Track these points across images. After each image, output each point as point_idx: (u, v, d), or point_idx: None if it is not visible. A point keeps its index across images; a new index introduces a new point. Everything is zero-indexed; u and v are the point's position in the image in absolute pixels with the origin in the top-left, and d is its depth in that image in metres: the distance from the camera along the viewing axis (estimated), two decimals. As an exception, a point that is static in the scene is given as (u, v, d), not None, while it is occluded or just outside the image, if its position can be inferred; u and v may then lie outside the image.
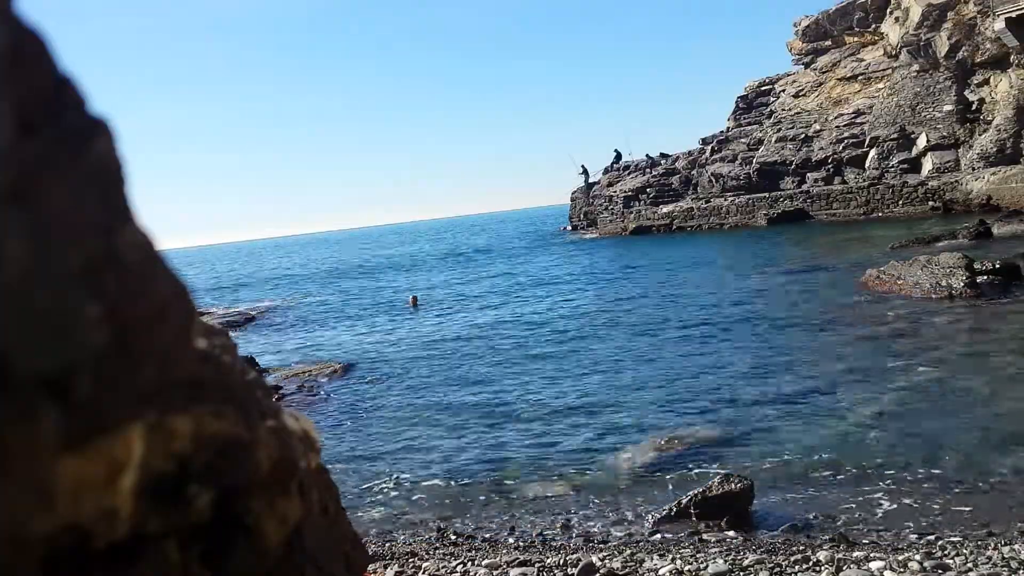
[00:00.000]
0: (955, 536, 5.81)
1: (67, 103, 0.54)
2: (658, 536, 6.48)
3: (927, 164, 37.78)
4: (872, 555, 5.32)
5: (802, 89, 47.39)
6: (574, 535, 6.73)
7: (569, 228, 58.61)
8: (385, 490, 8.47)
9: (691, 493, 6.88)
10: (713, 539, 6.21)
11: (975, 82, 37.55)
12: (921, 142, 38.24)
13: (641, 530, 6.70)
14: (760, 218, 40.49)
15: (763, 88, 51.56)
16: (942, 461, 7.40)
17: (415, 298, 25.80)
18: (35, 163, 0.50)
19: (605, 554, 5.78)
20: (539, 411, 10.89)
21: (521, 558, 5.81)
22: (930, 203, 34.95)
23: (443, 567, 5.71)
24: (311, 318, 25.87)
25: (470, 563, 5.76)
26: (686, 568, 5.27)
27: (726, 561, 5.36)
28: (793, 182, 43.23)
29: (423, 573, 5.66)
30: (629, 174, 52.58)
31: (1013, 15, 34.35)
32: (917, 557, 5.14)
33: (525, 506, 7.57)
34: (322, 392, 13.59)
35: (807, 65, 48.60)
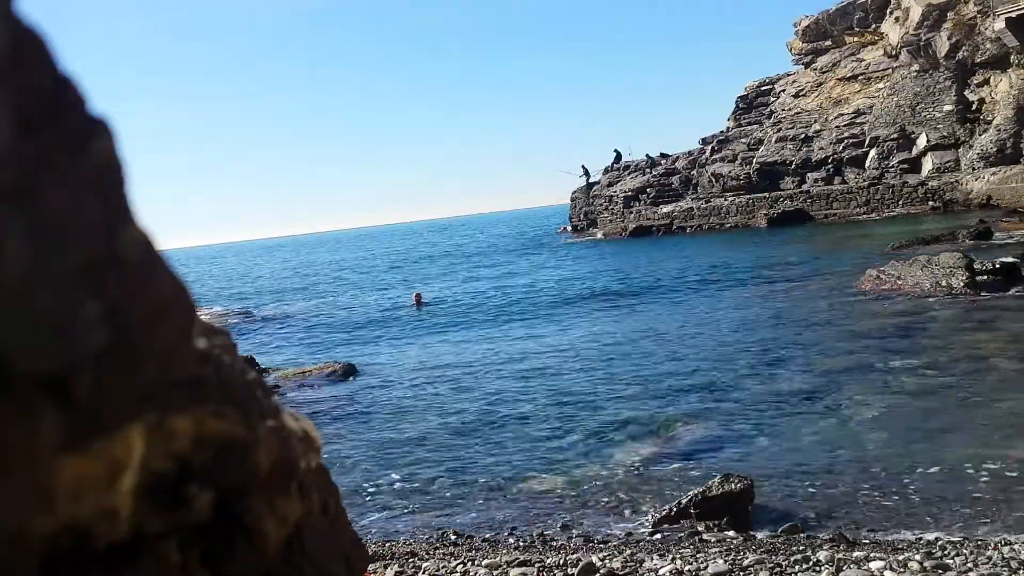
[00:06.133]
0: (955, 536, 5.81)
1: (67, 103, 0.54)
2: (658, 536, 6.48)
3: (927, 164, 37.78)
4: (872, 555, 5.31)
5: (802, 89, 47.40)
6: (574, 535, 6.73)
7: (568, 229, 58.53)
8: (385, 490, 8.47)
9: (691, 493, 6.88)
10: (713, 539, 6.21)
11: (975, 82, 37.56)
12: (921, 142, 38.24)
13: (641, 530, 6.70)
14: (760, 218, 40.48)
15: (763, 88, 51.56)
16: (943, 461, 7.40)
17: (419, 296, 25.35)
18: (35, 163, 0.50)
19: (605, 554, 5.78)
20: (539, 411, 10.89)
21: (521, 558, 5.81)
22: (930, 203, 34.95)
23: (443, 567, 5.71)
24: (312, 318, 25.87)
25: (470, 563, 5.76)
26: (686, 568, 5.27)
27: (726, 561, 5.36)
28: (793, 182, 43.22)
29: (423, 573, 5.66)
30: (629, 174, 52.56)
31: (1013, 15, 34.35)
32: (917, 557, 5.13)
33: (525, 506, 7.57)
34: (322, 392, 13.59)
35: (807, 65, 48.62)
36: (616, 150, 55.16)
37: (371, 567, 5.45)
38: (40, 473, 0.49)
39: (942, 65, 38.51)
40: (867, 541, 5.88)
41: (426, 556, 6.11)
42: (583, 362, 13.93)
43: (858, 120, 42.11)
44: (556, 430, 9.89)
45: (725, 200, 43.68)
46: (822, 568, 5.11)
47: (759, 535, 6.29)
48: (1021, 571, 4.82)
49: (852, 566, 5.10)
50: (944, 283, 15.76)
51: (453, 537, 6.90)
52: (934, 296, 15.44)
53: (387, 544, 6.72)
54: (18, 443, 0.47)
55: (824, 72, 46.59)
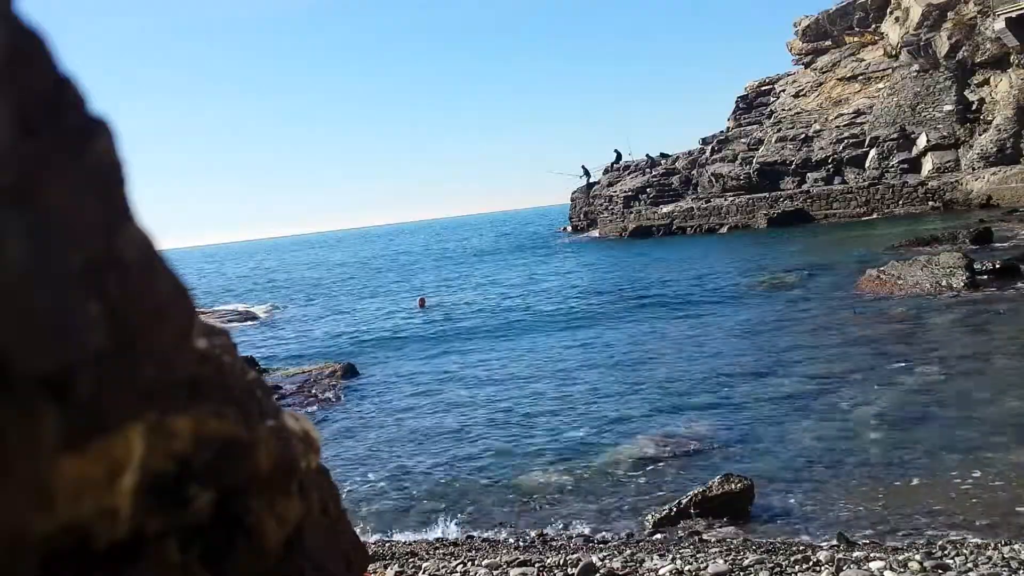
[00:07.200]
0: (955, 536, 5.81)
1: (67, 103, 0.54)
2: (658, 536, 6.48)
3: (927, 164, 37.78)
4: (872, 555, 5.32)
5: (802, 89, 47.41)
6: (574, 535, 6.73)
7: (569, 229, 58.63)
8: (385, 490, 8.47)
9: (691, 493, 6.88)
10: (713, 539, 6.21)
11: (975, 82, 37.56)
12: (921, 142, 38.24)
13: (641, 530, 6.70)
14: (760, 218, 40.48)
15: (763, 88, 51.59)
16: (942, 461, 7.40)
17: (423, 299, 25.38)
18: (35, 163, 0.50)
19: (605, 554, 5.78)
20: (539, 412, 10.89)
21: (521, 558, 5.81)
22: (930, 203, 34.94)
23: (443, 567, 5.71)
24: (312, 318, 25.87)
25: (470, 563, 5.76)
26: (686, 568, 5.27)
27: (726, 561, 5.36)
28: (793, 182, 43.22)
29: (423, 573, 5.66)
30: (629, 174, 52.57)
31: (1013, 15, 34.36)
32: (917, 557, 5.14)
33: (525, 506, 7.57)
34: (322, 392, 13.59)
35: (807, 65, 48.63)
36: (616, 150, 55.20)
37: (371, 567, 5.45)
38: (40, 473, 0.49)
39: (942, 65, 38.51)
40: (867, 541, 5.88)
41: (426, 556, 6.11)
42: (583, 363, 13.93)
43: (858, 120, 42.12)
44: (556, 431, 9.89)
45: (725, 200, 43.66)
46: (822, 568, 5.11)
47: (759, 535, 6.29)
48: (1021, 571, 4.82)
49: (852, 566, 5.10)
50: (944, 283, 15.76)
51: (453, 537, 6.91)
52: (934, 296, 15.44)
53: (387, 544, 6.72)
54: (18, 443, 0.47)
55: (824, 72, 46.59)
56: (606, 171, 54.48)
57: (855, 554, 5.39)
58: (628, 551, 5.85)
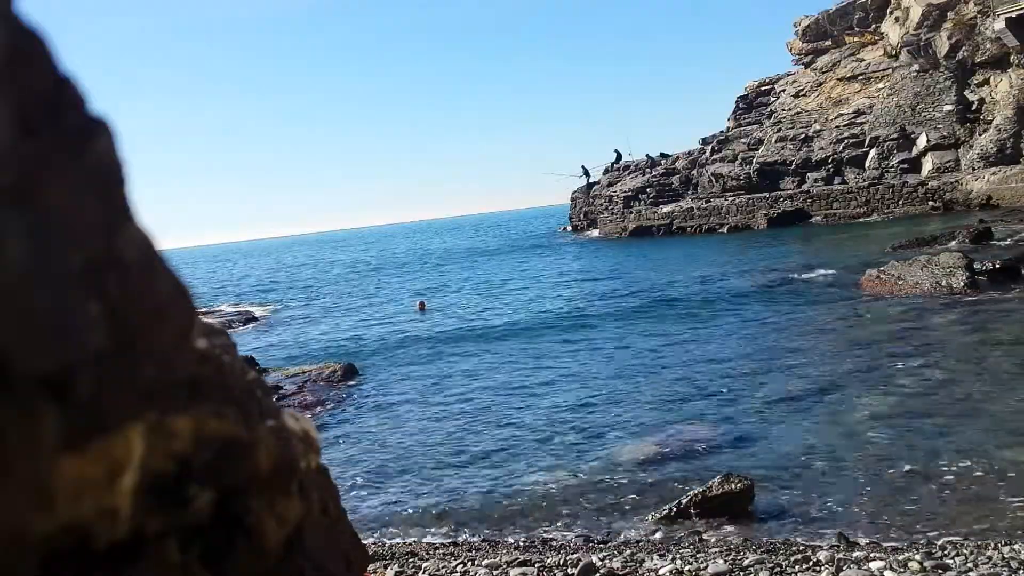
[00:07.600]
0: (955, 536, 5.81)
1: (67, 103, 0.54)
2: (658, 536, 6.48)
3: (927, 164, 37.77)
4: (872, 555, 5.32)
5: (802, 89, 47.40)
6: (574, 535, 6.73)
7: (569, 228, 58.69)
8: (385, 490, 8.47)
9: (691, 493, 6.88)
10: (713, 539, 6.21)
11: (975, 82, 37.55)
12: (921, 142, 38.23)
13: (641, 530, 6.71)
14: (760, 218, 40.46)
15: (763, 88, 51.59)
16: (942, 461, 7.40)
17: (423, 303, 25.37)
18: (35, 163, 0.50)
19: (605, 554, 5.78)
20: (539, 413, 10.90)
21: (521, 558, 5.81)
22: (930, 203, 34.93)
23: (443, 567, 5.72)
24: (313, 318, 25.87)
25: (470, 563, 5.76)
26: (686, 568, 5.27)
27: (726, 561, 5.36)
28: (793, 182, 43.21)
29: (423, 573, 5.66)
30: (629, 174, 52.55)
31: (1013, 15, 34.35)
32: (917, 557, 5.14)
33: (525, 506, 7.57)
34: (322, 392, 13.59)
35: (807, 65, 48.63)
36: (616, 150, 55.18)
37: (371, 567, 5.45)
38: (40, 473, 0.49)
39: (942, 65, 38.51)
40: (867, 541, 5.88)
41: (426, 556, 6.11)
42: (582, 364, 13.93)
43: (858, 120, 42.10)
44: (556, 431, 9.89)
45: (725, 200, 43.64)
46: (822, 568, 5.12)
47: (759, 535, 6.29)
48: (1021, 571, 4.82)
49: (852, 566, 5.10)
50: (944, 283, 15.75)
51: (453, 537, 6.91)
52: (934, 296, 15.44)
53: (387, 544, 6.72)
54: (18, 443, 0.47)
55: (824, 72, 46.59)
56: (606, 171, 54.46)
57: (855, 554, 5.39)
58: (628, 551, 5.85)
